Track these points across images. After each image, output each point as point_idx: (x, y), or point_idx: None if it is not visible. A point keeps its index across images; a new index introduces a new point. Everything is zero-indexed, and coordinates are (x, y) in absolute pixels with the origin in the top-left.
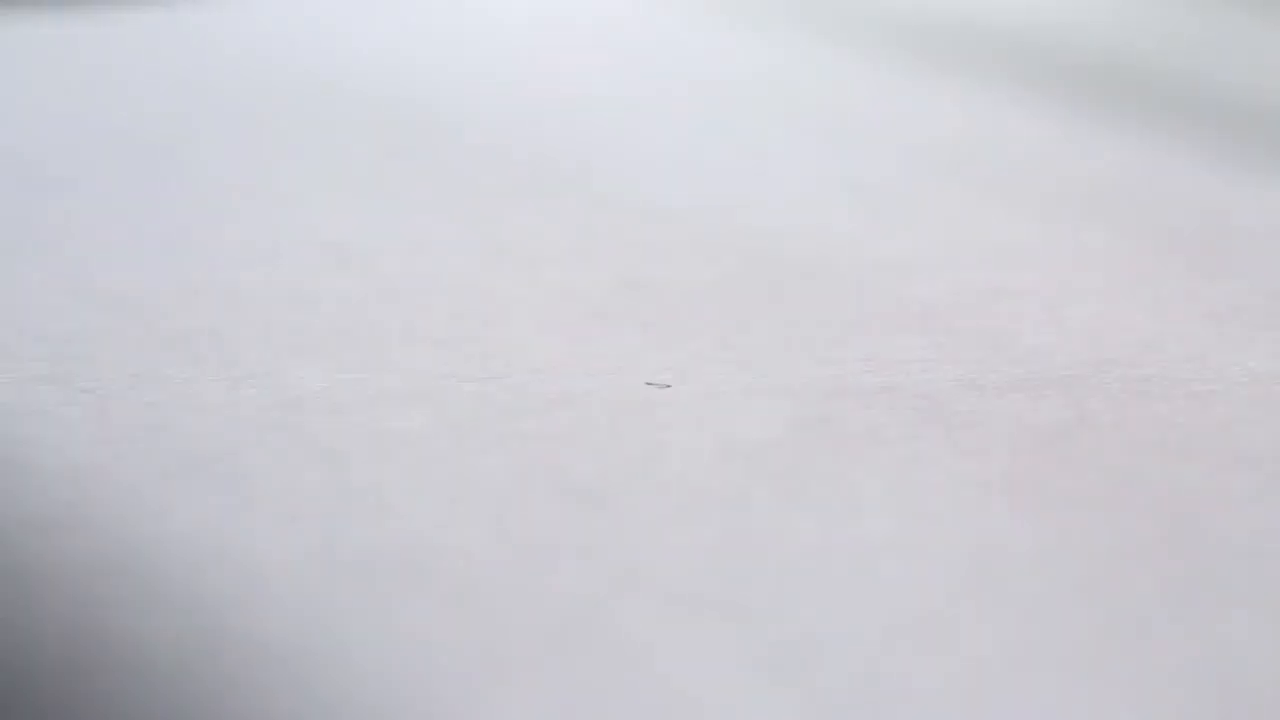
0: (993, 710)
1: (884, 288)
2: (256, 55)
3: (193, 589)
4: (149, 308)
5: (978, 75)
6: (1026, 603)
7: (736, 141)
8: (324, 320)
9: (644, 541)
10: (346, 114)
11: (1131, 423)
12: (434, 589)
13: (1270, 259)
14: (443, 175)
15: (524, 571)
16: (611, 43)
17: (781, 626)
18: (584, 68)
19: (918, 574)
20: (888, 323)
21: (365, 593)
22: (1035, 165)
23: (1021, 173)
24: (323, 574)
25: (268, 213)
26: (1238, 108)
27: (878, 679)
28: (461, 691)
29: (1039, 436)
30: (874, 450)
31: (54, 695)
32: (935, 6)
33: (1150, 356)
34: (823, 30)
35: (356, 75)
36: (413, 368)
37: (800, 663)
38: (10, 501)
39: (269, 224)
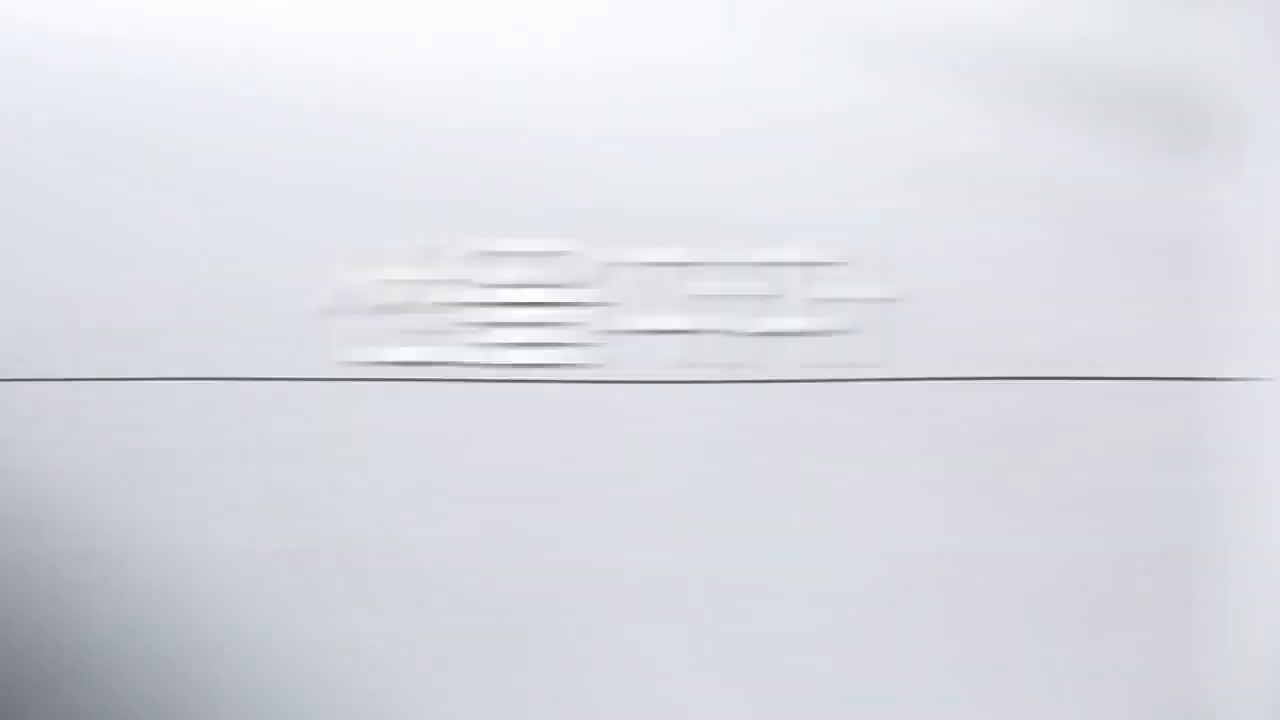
0: (951, 710)
1: (862, 287)
2: (225, 57)
3: (168, 587)
4: (105, 308)
5: (951, 80)
6: (992, 604)
7: (724, 152)
8: (283, 319)
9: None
10: (319, 115)
11: (1106, 423)
12: (407, 579)
13: (1243, 259)
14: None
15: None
16: (589, 45)
17: (738, 625)
18: (568, 72)
19: (879, 574)
20: (860, 320)
21: (335, 587)
22: (1021, 169)
23: (1004, 175)
24: (294, 568)
25: (231, 213)
26: (1207, 109)
27: (833, 678)
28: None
29: (1010, 436)
30: (844, 448)
31: (38, 692)
32: (915, 13)
33: (1125, 357)
34: (810, 35)
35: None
36: (372, 367)
37: (754, 661)
38: None
39: (232, 224)
